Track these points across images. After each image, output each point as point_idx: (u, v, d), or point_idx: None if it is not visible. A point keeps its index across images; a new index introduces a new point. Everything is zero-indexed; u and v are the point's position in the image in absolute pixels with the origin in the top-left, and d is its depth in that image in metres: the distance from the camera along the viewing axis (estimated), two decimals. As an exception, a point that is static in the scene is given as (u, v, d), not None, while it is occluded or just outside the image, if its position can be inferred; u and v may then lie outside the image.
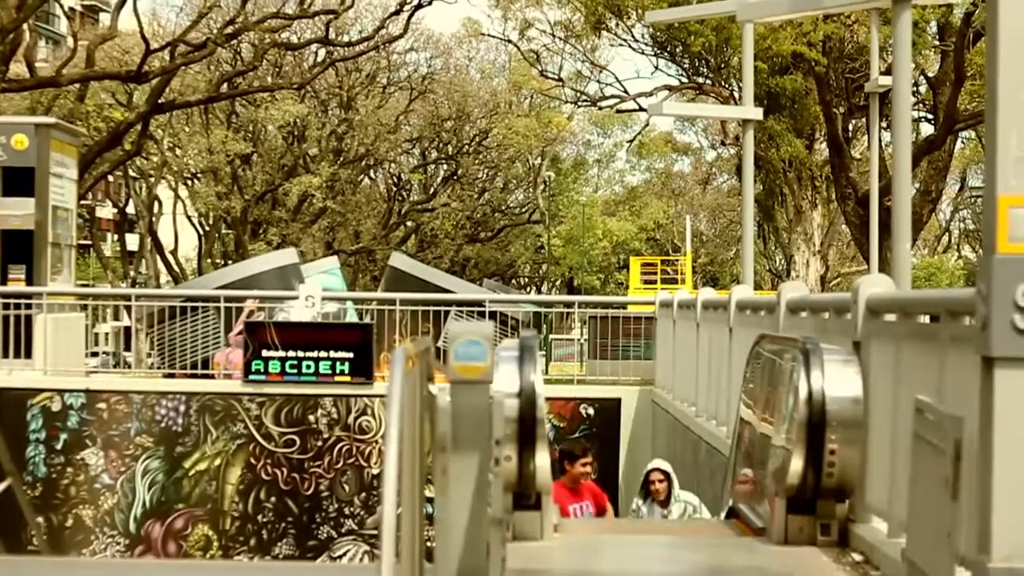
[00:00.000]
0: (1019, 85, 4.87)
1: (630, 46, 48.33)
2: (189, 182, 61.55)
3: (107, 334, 75.62)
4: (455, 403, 6.22)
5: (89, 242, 62.77)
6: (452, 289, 24.00)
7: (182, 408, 17.74)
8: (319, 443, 17.66)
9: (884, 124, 30.73)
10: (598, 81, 56.47)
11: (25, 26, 35.48)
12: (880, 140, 26.45)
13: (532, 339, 8.24)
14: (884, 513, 7.06)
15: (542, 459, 7.66)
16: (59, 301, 20.12)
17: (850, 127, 40.84)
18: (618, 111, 59.04)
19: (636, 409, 18.36)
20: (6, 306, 18.85)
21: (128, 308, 24.02)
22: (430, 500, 7.12)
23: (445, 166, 69.14)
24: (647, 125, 63.09)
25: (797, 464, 7.41)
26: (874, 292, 7.56)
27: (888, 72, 19.59)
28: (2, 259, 20.20)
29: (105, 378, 21.37)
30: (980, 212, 64.77)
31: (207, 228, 61.99)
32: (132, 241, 65.96)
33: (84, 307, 21.94)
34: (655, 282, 48.84)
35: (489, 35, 65.39)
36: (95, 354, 44.62)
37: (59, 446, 17.79)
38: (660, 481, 11.90)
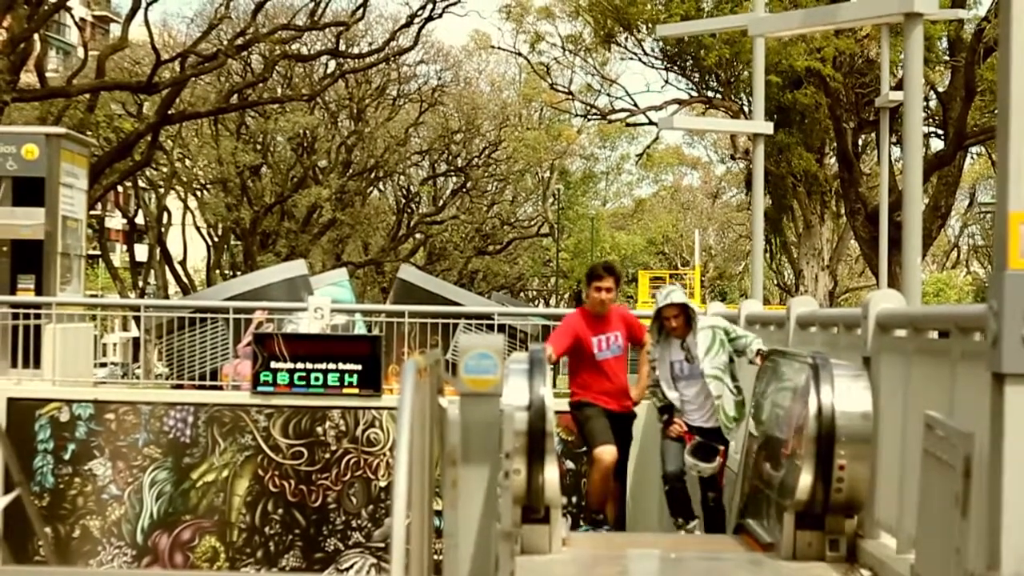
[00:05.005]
0: (1031, 101, 4.87)
1: (640, 60, 48.34)
2: (198, 193, 61.61)
3: (116, 345, 75.70)
4: (465, 416, 6.24)
5: (98, 252, 62.85)
6: (461, 302, 23.99)
7: (190, 419, 17.72)
8: (327, 455, 17.64)
9: (894, 139, 30.73)
10: (608, 94, 56.51)
11: (36, 36, 35.55)
12: (890, 155, 26.44)
13: (541, 352, 8.25)
14: (893, 529, 7.05)
15: (551, 472, 7.67)
16: (68, 311, 20.12)
17: (860, 142, 40.83)
18: (628, 124, 59.07)
19: (644, 422, 18.28)
20: (15, 316, 18.84)
21: (137, 319, 24.02)
22: (438, 513, 7.12)
23: (454, 178, 69.15)
24: (657, 138, 63.10)
25: (806, 479, 7.41)
26: (884, 307, 7.56)
27: (899, 87, 19.57)
28: (12, 269, 20.22)
29: (113, 389, 21.37)
30: (990, 228, 64.60)
31: (216, 239, 62.02)
32: (141, 252, 66.00)
33: (93, 317, 21.96)
34: (663, 296, 48.72)
35: (500, 48, 65.51)
36: (103, 365, 44.67)
37: (67, 456, 17.77)
38: (675, 317, 10.39)
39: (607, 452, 10.80)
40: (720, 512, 10.41)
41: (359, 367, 17.56)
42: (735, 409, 10.33)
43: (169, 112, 40.01)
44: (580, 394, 11.20)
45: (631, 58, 49.36)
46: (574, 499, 16.69)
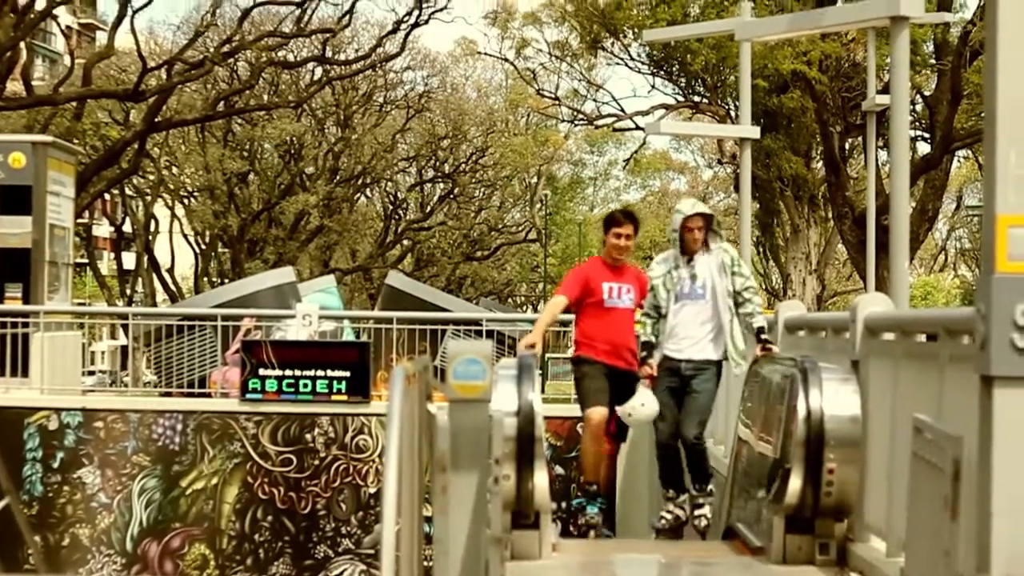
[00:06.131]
0: (1018, 103, 4.87)
1: (627, 65, 48.34)
2: (186, 200, 61.49)
3: (104, 353, 75.50)
4: (454, 422, 6.24)
5: (86, 260, 62.71)
6: (449, 308, 24.01)
7: (179, 427, 17.72)
8: (316, 462, 17.64)
9: (881, 143, 30.75)
10: (595, 100, 56.52)
11: (22, 44, 35.49)
12: (877, 159, 26.46)
13: (529, 358, 8.24)
14: (883, 532, 7.05)
15: (540, 478, 7.66)
16: (56, 320, 20.10)
17: (846, 146, 40.86)
18: (615, 130, 59.07)
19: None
20: (3, 324, 18.82)
21: (125, 327, 24.02)
22: (428, 519, 7.12)
23: (442, 184, 69.08)
24: (644, 144, 63.13)
25: (795, 483, 7.41)
26: (872, 311, 7.57)
27: (885, 91, 19.61)
28: (-1, 277, 20.20)
29: (102, 397, 21.34)
30: (977, 231, 64.69)
31: (203, 246, 61.91)
32: (129, 260, 65.87)
33: (81, 326, 21.92)
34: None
35: (486, 54, 65.47)
36: (91, 373, 44.59)
37: (56, 465, 17.76)
38: (699, 229, 9.68)
39: (596, 412, 10.21)
40: (702, 455, 9.96)
41: (347, 374, 17.57)
42: (736, 351, 9.70)
43: (156, 120, 39.94)
44: (583, 347, 10.52)
45: (617, 63, 49.39)
46: (563, 504, 16.68)
